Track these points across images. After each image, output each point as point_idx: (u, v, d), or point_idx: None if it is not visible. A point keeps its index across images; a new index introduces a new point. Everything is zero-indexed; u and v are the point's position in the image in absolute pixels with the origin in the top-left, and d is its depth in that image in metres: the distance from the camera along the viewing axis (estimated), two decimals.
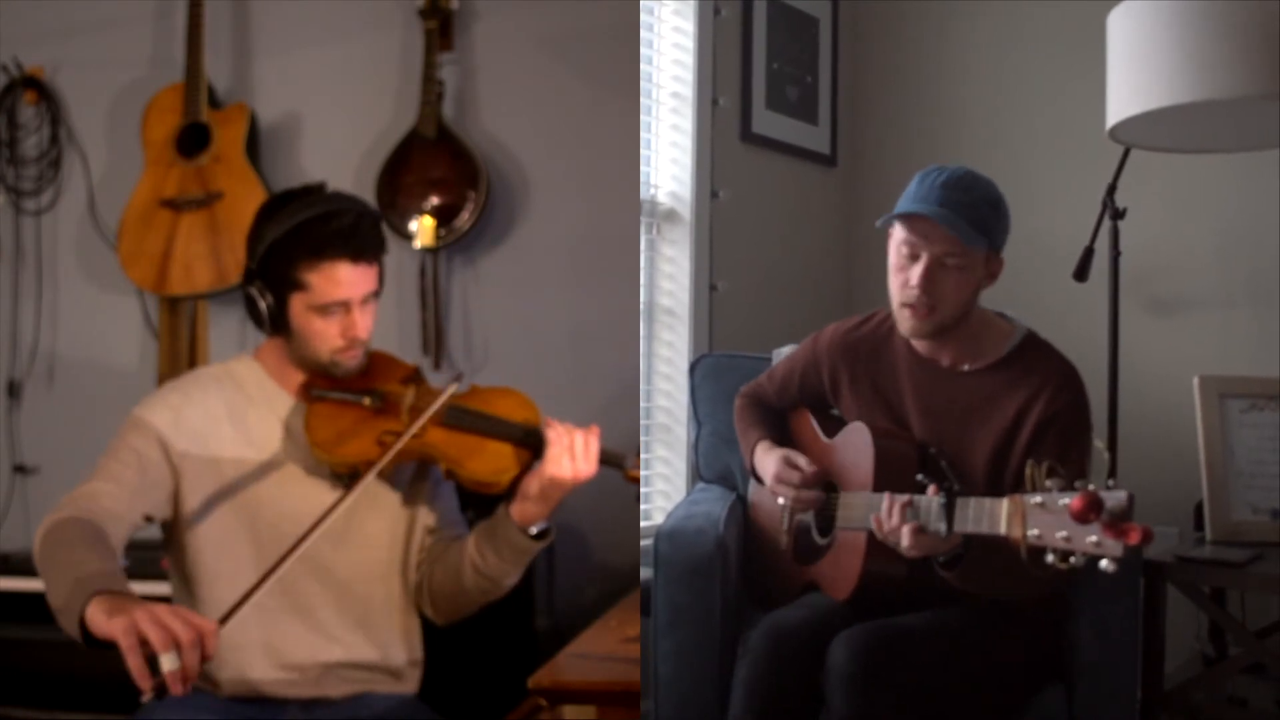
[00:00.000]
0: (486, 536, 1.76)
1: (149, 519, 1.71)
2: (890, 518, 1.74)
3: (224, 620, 1.39)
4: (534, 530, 1.75)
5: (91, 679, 2.32)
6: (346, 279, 1.69)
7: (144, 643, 1.29)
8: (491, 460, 1.74)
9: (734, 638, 2.15)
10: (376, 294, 1.76)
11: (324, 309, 1.70)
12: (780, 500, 2.12)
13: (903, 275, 1.93)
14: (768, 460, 2.15)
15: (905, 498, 1.74)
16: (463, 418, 1.75)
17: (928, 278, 1.90)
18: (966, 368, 2.01)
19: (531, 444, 1.75)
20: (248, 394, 1.77)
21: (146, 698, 1.29)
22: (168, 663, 1.29)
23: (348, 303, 1.71)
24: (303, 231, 1.68)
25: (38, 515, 2.79)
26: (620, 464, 1.77)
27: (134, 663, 1.29)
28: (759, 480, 2.22)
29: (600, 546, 2.62)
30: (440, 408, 1.73)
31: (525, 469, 1.74)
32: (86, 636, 1.37)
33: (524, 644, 2.30)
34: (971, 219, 1.88)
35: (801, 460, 2.09)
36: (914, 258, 1.91)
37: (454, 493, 1.91)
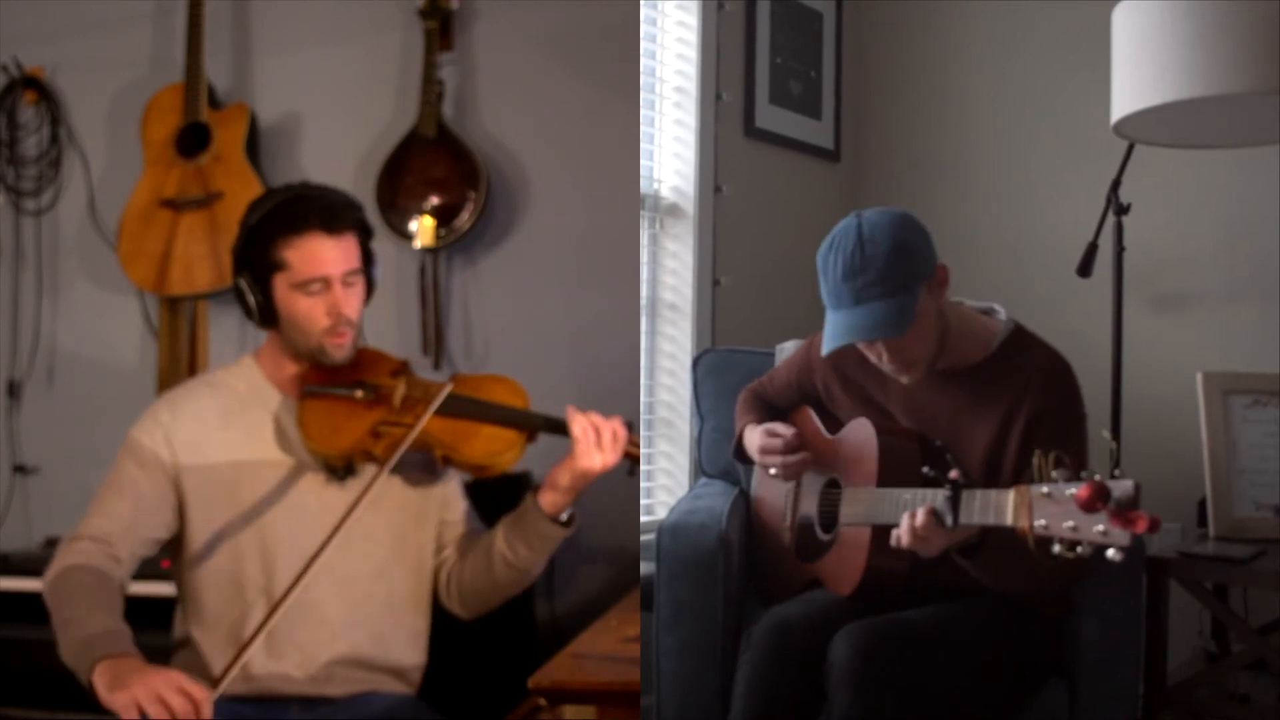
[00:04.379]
0: (515, 529, 1.80)
1: (159, 542, 1.76)
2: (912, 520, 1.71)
3: (217, 684, 1.49)
4: (562, 517, 1.80)
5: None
6: (324, 252, 1.73)
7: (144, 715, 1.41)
8: (486, 443, 1.78)
9: (736, 633, 2.14)
10: (360, 273, 1.79)
11: (304, 285, 1.73)
12: (770, 471, 2.15)
13: (873, 351, 1.94)
14: (752, 436, 2.19)
15: (923, 499, 1.73)
16: (455, 404, 1.79)
17: (892, 357, 1.92)
18: (952, 369, 2.00)
19: (523, 425, 1.80)
20: (240, 396, 1.80)
21: None
22: None
23: (328, 278, 1.74)
24: (278, 212, 1.74)
25: (38, 515, 2.82)
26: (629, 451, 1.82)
27: None
28: (747, 461, 2.25)
29: (599, 532, 2.60)
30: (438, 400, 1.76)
31: (519, 451, 1.79)
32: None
33: (523, 633, 2.30)
34: (889, 295, 1.83)
35: (781, 427, 2.13)
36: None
37: (462, 489, 1.92)
